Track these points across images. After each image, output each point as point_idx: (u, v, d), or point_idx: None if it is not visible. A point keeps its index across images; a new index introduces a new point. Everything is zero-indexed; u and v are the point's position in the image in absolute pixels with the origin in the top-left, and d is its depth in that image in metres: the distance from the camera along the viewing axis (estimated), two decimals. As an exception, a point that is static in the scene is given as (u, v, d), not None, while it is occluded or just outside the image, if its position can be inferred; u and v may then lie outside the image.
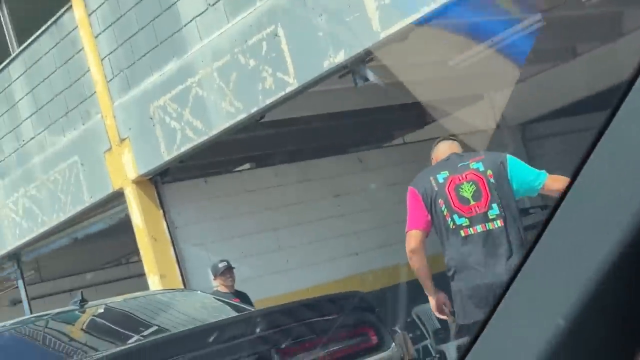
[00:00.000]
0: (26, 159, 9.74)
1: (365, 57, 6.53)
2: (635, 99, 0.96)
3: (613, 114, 0.97)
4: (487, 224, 4.58)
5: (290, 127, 9.32)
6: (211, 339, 4.58)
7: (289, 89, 6.86)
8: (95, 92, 8.70)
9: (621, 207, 0.97)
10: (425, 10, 5.84)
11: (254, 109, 7.18)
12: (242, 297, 7.29)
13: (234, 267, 7.56)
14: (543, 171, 4.68)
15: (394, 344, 4.60)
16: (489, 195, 4.62)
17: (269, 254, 8.75)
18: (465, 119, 10.72)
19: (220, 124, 7.47)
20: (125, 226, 9.12)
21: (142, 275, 9.29)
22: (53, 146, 9.35)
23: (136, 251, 10.43)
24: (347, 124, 10.01)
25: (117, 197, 8.80)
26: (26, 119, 9.65)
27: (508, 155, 4.79)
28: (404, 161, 9.91)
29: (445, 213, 4.68)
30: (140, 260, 9.60)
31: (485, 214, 4.59)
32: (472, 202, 4.63)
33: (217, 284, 7.57)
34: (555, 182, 4.54)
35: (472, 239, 4.59)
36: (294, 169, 9.43)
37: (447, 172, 4.75)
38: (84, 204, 9.05)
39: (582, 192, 1.01)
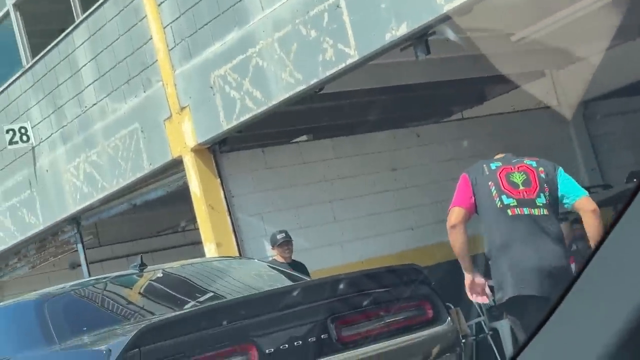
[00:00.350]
0: (88, 124, 9.88)
1: (428, 30, 6.46)
2: None
3: None
4: (533, 210, 4.74)
5: (348, 100, 9.33)
6: (267, 307, 4.65)
7: (349, 61, 6.84)
8: (156, 60, 8.77)
9: None
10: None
11: (313, 81, 7.17)
12: (299, 267, 7.35)
13: (291, 239, 7.62)
14: (583, 190, 5.00)
15: (449, 318, 4.64)
16: (538, 185, 4.81)
17: (324, 226, 8.78)
18: (525, 95, 10.59)
19: (280, 95, 7.48)
20: (182, 194, 9.23)
21: (198, 243, 9.43)
22: (114, 113, 9.46)
23: (193, 219, 10.58)
24: (406, 97, 9.97)
25: (176, 165, 8.89)
26: (89, 85, 9.77)
27: (559, 167, 5.06)
28: (461, 137, 9.85)
29: (493, 194, 4.82)
30: (196, 228, 9.73)
31: (533, 200, 4.77)
32: (521, 188, 4.82)
33: (275, 254, 7.65)
34: (588, 203, 4.82)
35: (518, 219, 4.74)
36: (351, 142, 9.42)
37: (500, 163, 4.98)
38: (143, 171, 9.17)
39: None
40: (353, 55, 6.80)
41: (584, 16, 7.37)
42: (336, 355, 4.47)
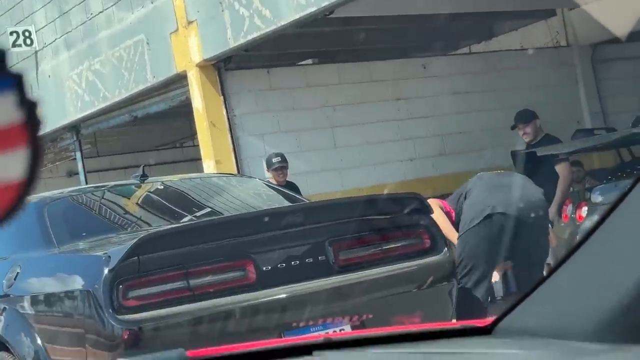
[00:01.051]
0: (93, 32, 9.75)
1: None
2: None
3: None
4: None
5: (357, 26, 9.24)
6: (267, 225, 4.66)
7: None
8: (166, -30, 8.63)
9: None
10: None
11: (324, 3, 7.05)
12: (293, 188, 7.36)
13: (286, 164, 7.63)
14: None
15: (446, 249, 4.66)
16: None
17: (325, 151, 8.76)
18: (534, 34, 10.50)
19: (290, 16, 7.36)
20: (184, 110, 9.20)
21: (197, 159, 9.44)
22: (120, 22, 9.32)
23: (193, 135, 10.55)
24: (415, 28, 9.89)
25: (180, 79, 8.82)
26: (96, -9, 9.62)
27: None
28: (468, 71, 9.79)
29: None
30: (196, 145, 9.72)
31: None
32: None
33: (270, 176, 7.65)
34: None
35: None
36: (356, 68, 9.33)
37: None
38: (146, 83, 9.08)
39: None
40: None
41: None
42: (333, 278, 4.51)
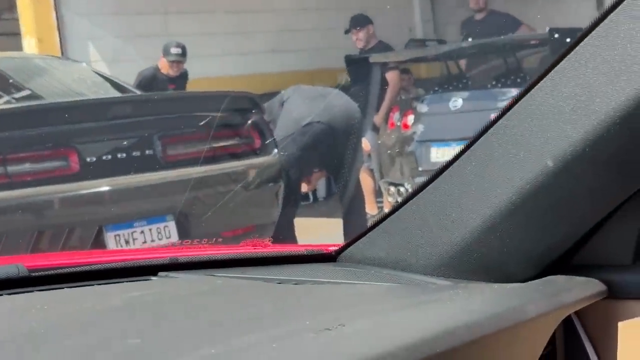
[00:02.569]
0: None
1: None
2: None
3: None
4: None
5: None
6: (92, 115, 4.63)
7: None
8: None
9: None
10: None
11: None
12: (182, 79, 7.37)
13: (184, 59, 7.42)
14: None
15: (275, 150, 4.79)
16: None
17: (157, 38, 8.67)
18: None
19: None
20: None
21: (15, 34, 9.13)
22: None
23: (11, 7, 10.13)
24: None
25: None
26: None
27: None
28: None
29: None
30: (15, 19, 9.41)
31: None
32: None
33: (161, 66, 7.43)
34: None
35: None
36: None
37: None
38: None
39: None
40: None
41: None
42: (160, 172, 4.58)
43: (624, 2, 0.99)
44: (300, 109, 5.44)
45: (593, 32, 1.02)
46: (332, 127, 5.33)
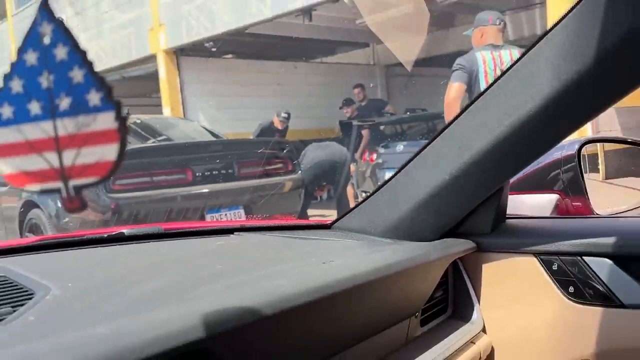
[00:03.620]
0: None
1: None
2: None
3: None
4: None
5: (259, 39, 12.90)
6: (199, 149, 6.36)
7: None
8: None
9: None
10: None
11: (242, 23, 10.66)
12: (282, 132, 9.75)
13: (288, 121, 9.83)
14: None
15: (300, 171, 6.90)
16: None
17: (240, 110, 12.10)
18: (357, 55, 14.87)
19: (222, 28, 10.79)
20: (154, 76, 12.37)
21: (158, 105, 12.63)
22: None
23: (158, 90, 13.56)
24: (290, 44, 13.39)
25: (152, 58, 11.98)
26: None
27: None
28: (320, 72, 14.11)
29: None
30: (158, 97, 12.80)
31: None
32: None
33: (274, 122, 9.86)
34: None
35: None
36: (256, 63, 13.33)
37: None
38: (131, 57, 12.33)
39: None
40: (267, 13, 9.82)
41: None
42: (236, 182, 6.26)
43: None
44: (315, 153, 7.76)
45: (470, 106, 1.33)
46: (332, 160, 7.58)
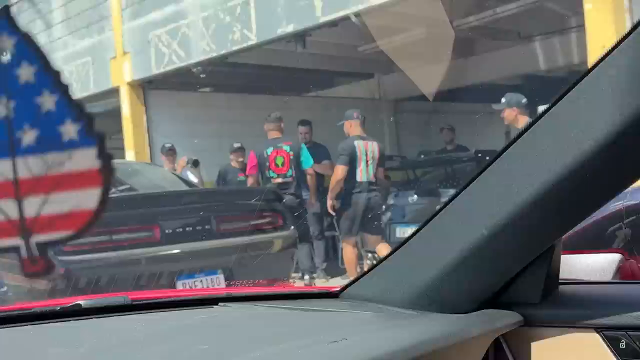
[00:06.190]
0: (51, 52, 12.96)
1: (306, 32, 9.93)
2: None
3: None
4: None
5: (242, 69, 13.20)
6: (169, 202, 6.48)
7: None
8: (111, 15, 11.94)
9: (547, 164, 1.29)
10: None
11: (222, 51, 10.78)
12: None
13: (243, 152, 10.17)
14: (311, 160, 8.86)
15: (292, 227, 6.97)
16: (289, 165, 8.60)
17: (214, 153, 12.13)
18: (362, 86, 15.24)
19: (197, 56, 11.19)
20: (116, 113, 12.66)
21: (120, 149, 12.80)
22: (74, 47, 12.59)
23: (119, 130, 14.01)
24: (280, 74, 13.95)
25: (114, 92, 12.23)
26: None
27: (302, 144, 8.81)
28: (315, 107, 14.05)
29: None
30: (120, 138, 13.09)
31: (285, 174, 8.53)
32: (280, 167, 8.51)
33: (232, 158, 10.31)
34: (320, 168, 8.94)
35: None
36: (239, 98, 13.53)
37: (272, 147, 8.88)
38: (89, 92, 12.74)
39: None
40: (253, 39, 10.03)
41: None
42: (214, 241, 6.30)
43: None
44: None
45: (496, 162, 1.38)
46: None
